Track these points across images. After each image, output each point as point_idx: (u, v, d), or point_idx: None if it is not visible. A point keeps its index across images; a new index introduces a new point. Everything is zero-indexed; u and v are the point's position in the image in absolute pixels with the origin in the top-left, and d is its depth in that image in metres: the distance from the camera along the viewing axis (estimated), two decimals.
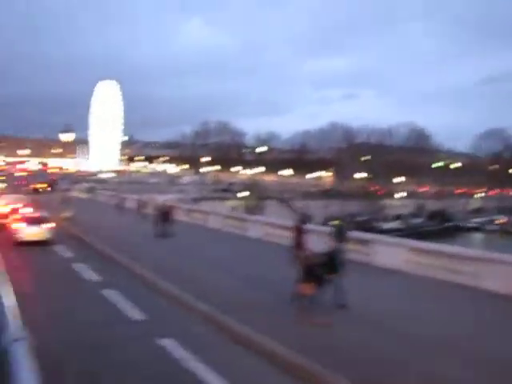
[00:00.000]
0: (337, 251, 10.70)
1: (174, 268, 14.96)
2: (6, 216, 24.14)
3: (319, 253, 10.58)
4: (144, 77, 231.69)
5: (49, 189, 63.07)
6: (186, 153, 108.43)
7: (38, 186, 66.30)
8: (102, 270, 15.16)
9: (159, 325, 10.12)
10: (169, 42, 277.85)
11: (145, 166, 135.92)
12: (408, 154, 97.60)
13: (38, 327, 7.63)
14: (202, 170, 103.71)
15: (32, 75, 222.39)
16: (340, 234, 18.33)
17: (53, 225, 22.05)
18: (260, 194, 74.91)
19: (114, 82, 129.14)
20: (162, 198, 36.52)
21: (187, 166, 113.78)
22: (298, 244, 18.45)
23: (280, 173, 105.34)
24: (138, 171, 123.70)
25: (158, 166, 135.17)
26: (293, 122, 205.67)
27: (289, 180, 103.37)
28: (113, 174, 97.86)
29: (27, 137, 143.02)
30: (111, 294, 12.29)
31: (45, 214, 23.24)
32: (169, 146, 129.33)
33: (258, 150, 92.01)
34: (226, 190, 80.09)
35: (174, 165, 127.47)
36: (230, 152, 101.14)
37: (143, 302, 11.61)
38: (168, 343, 9.00)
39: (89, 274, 14.82)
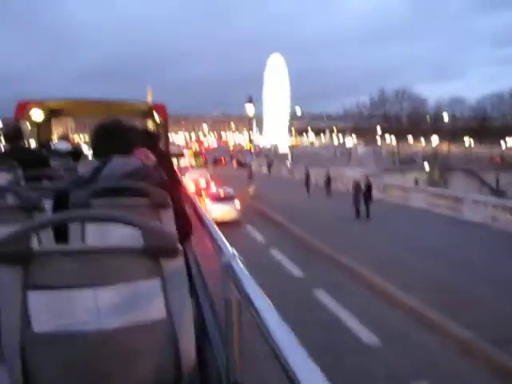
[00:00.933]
0: None
1: (399, 264, 11.71)
2: (199, 192, 23.34)
3: None
4: (313, 49, 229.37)
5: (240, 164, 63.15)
6: (359, 123, 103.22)
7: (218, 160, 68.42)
8: (303, 261, 12.91)
9: (400, 354, 7.39)
10: (336, 11, 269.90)
11: (316, 139, 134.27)
12: None
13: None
14: (376, 140, 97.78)
15: (207, 56, 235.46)
16: None
17: (239, 203, 20.63)
18: (443, 166, 68.07)
19: (283, 56, 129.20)
20: (351, 173, 33.47)
21: (359, 138, 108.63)
22: None
23: (463, 142, 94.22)
24: (311, 144, 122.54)
25: (329, 139, 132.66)
26: (474, 84, 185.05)
27: (474, 149, 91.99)
28: (287, 148, 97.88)
29: (205, 114, 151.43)
30: (324, 299, 9.87)
31: (230, 190, 21.90)
32: (339, 117, 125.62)
33: (441, 117, 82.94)
34: (407, 162, 74.00)
35: (345, 137, 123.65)
36: (409, 120, 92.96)
37: (366, 313, 8.98)
38: None
39: (290, 266, 12.60)
